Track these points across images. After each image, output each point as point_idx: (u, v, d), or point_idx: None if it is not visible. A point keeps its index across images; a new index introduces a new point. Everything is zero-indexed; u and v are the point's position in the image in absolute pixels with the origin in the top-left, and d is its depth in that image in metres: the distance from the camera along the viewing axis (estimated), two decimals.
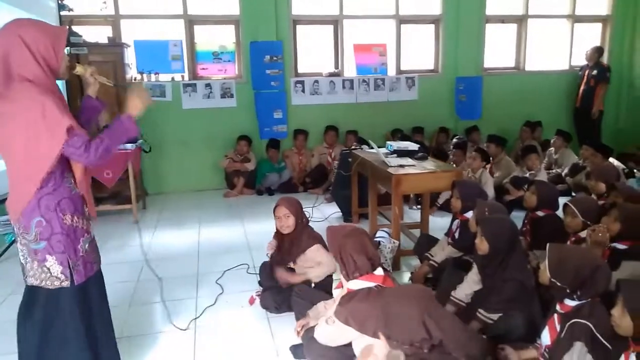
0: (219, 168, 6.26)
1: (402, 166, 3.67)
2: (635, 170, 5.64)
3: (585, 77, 7.06)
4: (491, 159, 5.42)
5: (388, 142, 4.36)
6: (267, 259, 3.25)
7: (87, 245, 2.05)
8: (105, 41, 5.50)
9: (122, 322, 2.87)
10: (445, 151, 5.87)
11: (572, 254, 2.08)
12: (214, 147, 6.36)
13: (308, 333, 2.27)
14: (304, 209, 3.13)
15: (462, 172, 4.09)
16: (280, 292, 2.97)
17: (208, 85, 6.26)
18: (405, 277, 3.51)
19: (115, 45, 5.44)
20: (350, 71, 6.75)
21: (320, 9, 6.60)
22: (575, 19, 7.40)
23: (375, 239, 3.62)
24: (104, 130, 1.97)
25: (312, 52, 6.73)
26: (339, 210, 5.01)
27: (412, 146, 4.17)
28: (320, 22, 6.66)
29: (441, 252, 3.26)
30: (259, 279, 3.36)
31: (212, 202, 5.81)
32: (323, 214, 5.10)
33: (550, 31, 7.47)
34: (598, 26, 7.57)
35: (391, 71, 6.86)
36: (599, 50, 7.09)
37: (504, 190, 5.09)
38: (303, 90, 6.52)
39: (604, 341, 1.90)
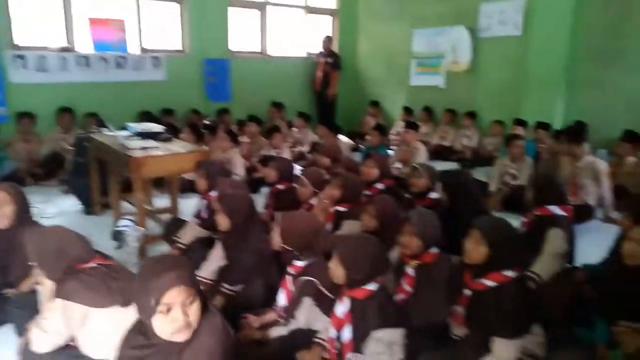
0: None
1: (144, 149, 3.45)
2: (360, 146, 6.59)
3: (321, 64, 7.90)
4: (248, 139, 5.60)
5: (129, 124, 4.05)
6: None
7: None
8: None
9: None
10: (199, 133, 5.78)
11: (298, 220, 2.27)
12: None
13: (27, 349, 1.96)
14: (34, 205, 2.66)
15: (210, 153, 4.09)
16: None
17: None
18: None
19: None
20: (85, 47, 6.03)
21: None
22: (309, 10, 8.17)
23: (118, 229, 3.35)
24: None
25: (37, 23, 5.78)
26: (78, 202, 4.46)
27: (156, 128, 3.96)
28: None
29: (189, 233, 3.21)
30: None
31: None
32: (60, 207, 4.47)
33: (289, 20, 8.08)
34: (329, 18, 8.52)
35: (133, 49, 6.40)
36: (329, 40, 8.00)
37: (254, 169, 5.32)
38: (25, 67, 5.55)
39: (327, 292, 2.14)
